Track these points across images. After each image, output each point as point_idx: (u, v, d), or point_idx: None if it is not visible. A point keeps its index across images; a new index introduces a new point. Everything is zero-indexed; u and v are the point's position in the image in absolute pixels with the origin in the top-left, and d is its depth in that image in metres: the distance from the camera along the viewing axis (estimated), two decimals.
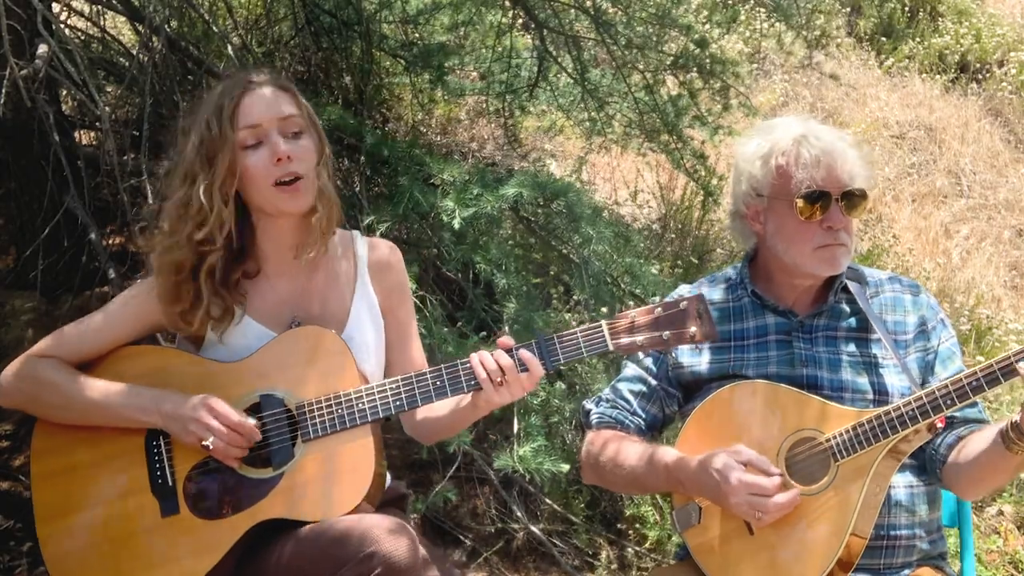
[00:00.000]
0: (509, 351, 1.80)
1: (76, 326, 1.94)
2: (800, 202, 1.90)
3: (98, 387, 1.84)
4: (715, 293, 2.11)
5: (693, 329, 1.80)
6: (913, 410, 1.76)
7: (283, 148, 1.84)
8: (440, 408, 1.96)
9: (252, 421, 1.79)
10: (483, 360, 1.80)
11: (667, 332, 1.80)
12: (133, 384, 1.84)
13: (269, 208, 1.88)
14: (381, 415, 1.83)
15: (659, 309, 1.82)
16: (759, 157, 1.98)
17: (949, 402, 1.74)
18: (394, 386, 1.83)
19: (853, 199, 1.93)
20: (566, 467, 2.75)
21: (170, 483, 1.82)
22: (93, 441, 1.86)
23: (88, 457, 1.86)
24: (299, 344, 1.87)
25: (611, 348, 1.81)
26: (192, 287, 1.87)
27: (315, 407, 1.82)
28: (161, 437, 1.84)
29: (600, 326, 1.82)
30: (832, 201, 1.91)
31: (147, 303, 1.92)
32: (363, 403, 1.82)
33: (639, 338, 1.81)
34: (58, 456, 1.87)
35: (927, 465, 1.94)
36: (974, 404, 1.93)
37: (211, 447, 1.76)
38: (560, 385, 3.10)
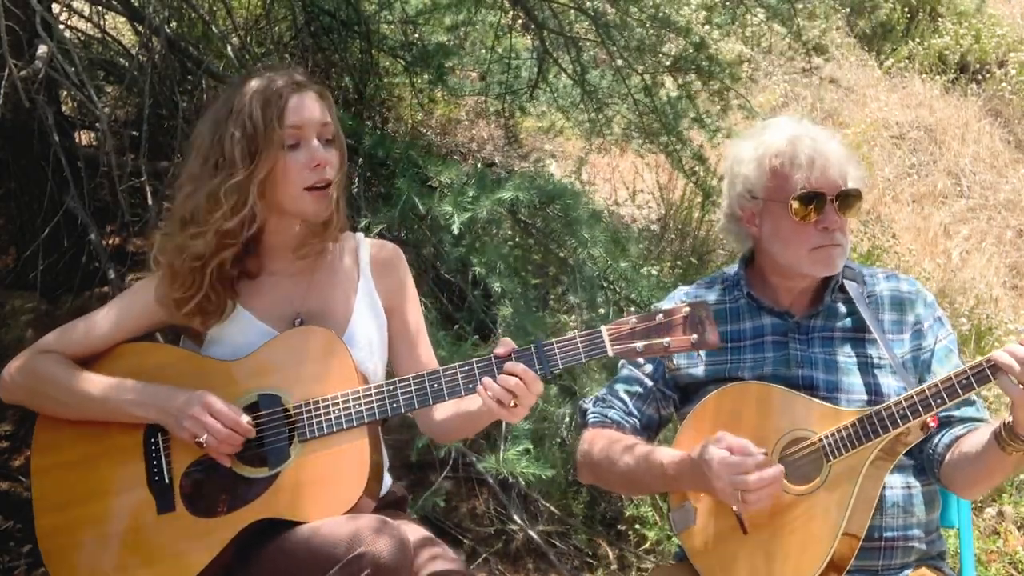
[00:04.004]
0: (509, 356, 1.79)
1: (79, 322, 1.95)
2: (795, 203, 1.91)
3: (97, 382, 1.86)
4: (712, 294, 2.11)
5: (695, 336, 1.77)
6: (904, 408, 1.76)
7: (322, 154, 1.87)
8: (450, 410, 1.96)
9: (246, 418, 1.80)
10: (488, 388, 1.78)
11: (668, 339, 1.78)
12: (132, 380, 1.85)
13: (292, 209, 1.90)
14: (377, 417, 1.83)
15: (660, 315, 1.79)
16: (753, 159, 1.98)
17: (940, 400, 1.74)
18: (391, 388, 1.84)
19: (848, 199, 1.93)
20: (551, 472, 2.74)
21: (167, 480, 1.83)
22: (93, 436, 1.87)
23: (88, 452, 1.87)
24: (299, 344, 1.88)
25: (610, 354, 1.79)
26: (198, 277, 1.87)
27: (312, 407, 1.82)
28: (159, 434, 1.85)
29: (599, 332, 1.80)
30: (827, 202, 1.91)
31: (151, 300, 1.93)
32: (360, 404, 1.82)
33: (639, 344, 1.78)
34: (59, 451, 1.89)
35: (925, 465, 1.94)
36: (972, 403, 1.93)
37: (205, 444, 1.77)
38: (552, 388, 3.09)
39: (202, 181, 1.86)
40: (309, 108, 1.88)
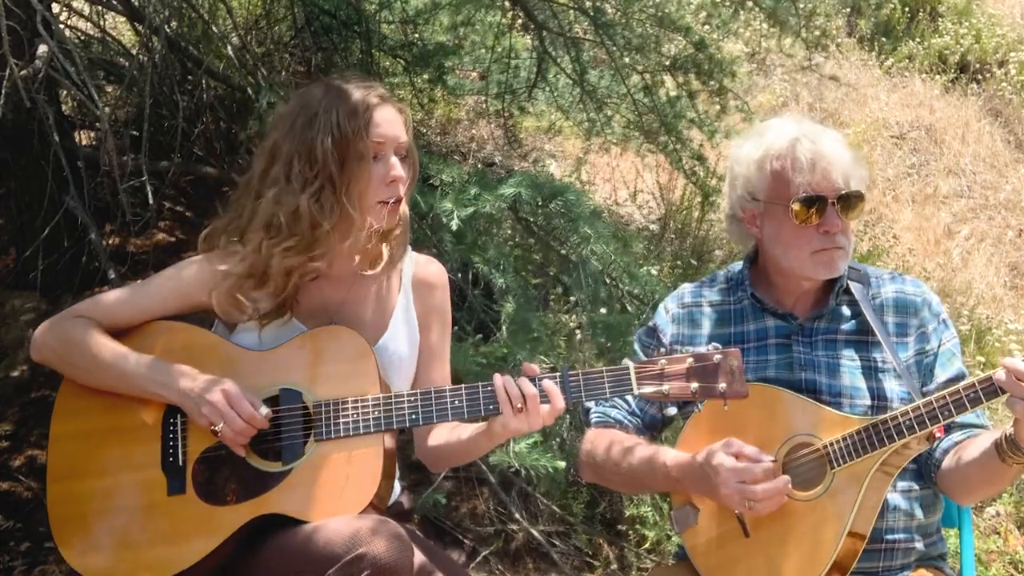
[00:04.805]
0: (533, 380, 1.79)
1: (118, 291, 1.95)
2: (796, 207, 1.89)
3: (124, 355, 1.86)
4: (714, 294, 2.10)
5: (723, 385, 1.76)
6: (911, 420, 1.76)
7: (399, 171, 1.88)
8: (452, 434, 1.96)
9: (265, 410, 1.80)
10: (506, 384, 1.78)
11: (696, 384, 1.77)
12: (159, 358, 1.86)
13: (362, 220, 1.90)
14: (395, 426, 1.83)
15: (691, 359, 1.78)
16: (754, 161, 1.97)
17: (947, 413, 1.73)
18: (412, 399, 1.83)
19: (850, 201, 1.92)
20: (562, 464, 2.74)
21: (180, 463, 1.83)
22: (114, 409, 1.87)
23: (107, 424, 1.88)
24: (327, 343, 1.88)
25: (636, 393, 1.79)
26: (285, 282, 1.88)
27: (332, 408, 1.82)
28: (178, 415, 1.85)
29: (627, 369, 1.79)
30: (828, 205, 1.89)
31: (195, 283, 1.92)
32: (379, 411, 1.82)
33: (666, 387, 1.77)
34: (78, 419, 1.89)
35: (923, 469, 1.93)
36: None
37: (220, 432, 1.77)
38: None
39: (292, 188, 1.85)
40: (392, 123, 1.89)
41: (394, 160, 1.89)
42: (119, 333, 1.91)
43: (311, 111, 1.86)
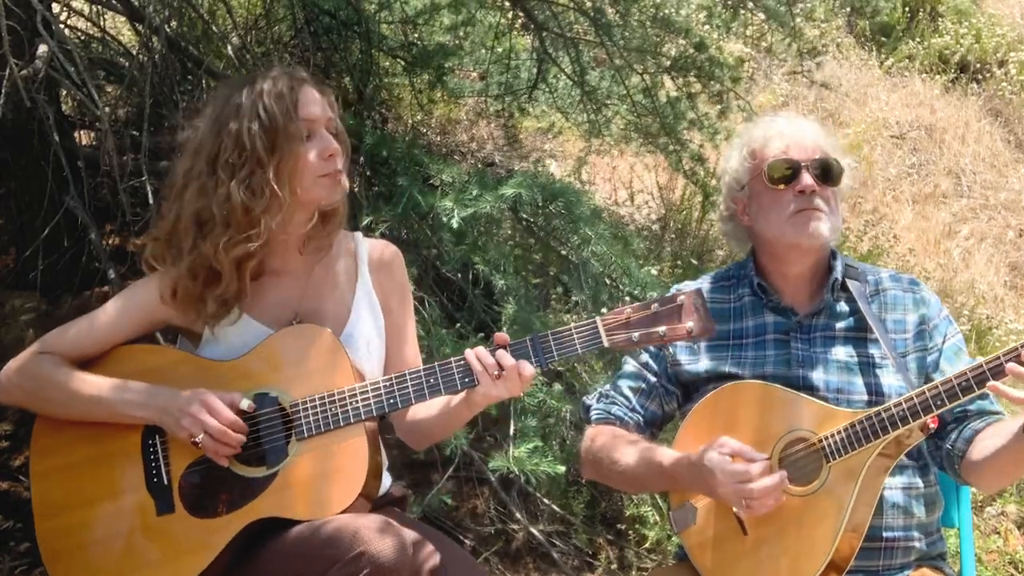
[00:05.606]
0: (504, 347, 1.80)
1: (76, 324, 1.94)
2: (768, 170, 1.95)
3: (96, 384, 1.85)
4: (715, 292, 2.11)
5: (690, 324, 1.77)
6: (904, 410, 1.76)
7: (334, 144, 1.90)
8: (432, 408, 1.96)
9: (246, 402, 1.80)
10: (479, 355, 1.80)
11: (663, 327, 1.78)
12: (131, 380, 1.85)
13: (306, 198, 1.90)
14: (375, 413, 1.83)
15: (655, 304, 1.79)
16: (735, 151, 2.05)
17: (940, 402, 1.74)
18: (387, 384, 1.84)
19: (825, 167, 1.95)
20: (562, 468, 2.75)
21: (165, 481, 1.83)
22: (92, 439, 1.87)
23: (87, 455, 1.87)
24: (294, 342, 1.88)
25: (606, 344, 1.79)
26: (237, 274, 1.87)
27: (309, 406, 1.82)
28: (157, 435, 1.85)
29: (595, 323, 1.80)
30: (802, 167, 1.94)
31: (153, 299, 1.92)
32: (357, 401, 1.82)
33: (635, 334, 1.79)
34: (57, 453, 1.88)
35: (944, 462, 1.93)
36: (985, 395, 1.92)
37: (200, 443, 1.77)
38: (558, 386, 3.10)
39: (219, 179, 1.84)
40: (318, 102, 1.91)
41: (327, 135, 1.90)
42: (85, 363, 1.90)
43: (234, 102, 1.86)
